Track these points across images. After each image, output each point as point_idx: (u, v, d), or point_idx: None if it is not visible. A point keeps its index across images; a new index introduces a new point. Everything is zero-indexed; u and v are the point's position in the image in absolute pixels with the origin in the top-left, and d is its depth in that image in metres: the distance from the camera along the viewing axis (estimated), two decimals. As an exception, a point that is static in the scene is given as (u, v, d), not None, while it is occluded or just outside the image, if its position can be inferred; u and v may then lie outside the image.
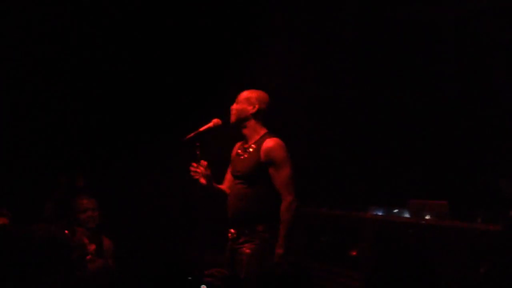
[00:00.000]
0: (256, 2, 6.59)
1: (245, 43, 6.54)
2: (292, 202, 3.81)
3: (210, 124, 4.00)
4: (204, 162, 3.92)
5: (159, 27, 6.46)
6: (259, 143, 3.92)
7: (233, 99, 4.05)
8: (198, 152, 3.92)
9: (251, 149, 3.93)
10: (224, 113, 4.05)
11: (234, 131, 4.05)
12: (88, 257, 3.96)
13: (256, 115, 3.99)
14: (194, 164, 3.94)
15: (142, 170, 6.43)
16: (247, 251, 3.83)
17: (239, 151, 4.05)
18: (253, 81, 4.35)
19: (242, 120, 4.00)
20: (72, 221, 4.69)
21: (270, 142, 3.88)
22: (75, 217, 4.72)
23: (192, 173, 3.95)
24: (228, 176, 4.16)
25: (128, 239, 5.75)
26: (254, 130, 3.97)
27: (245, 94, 4.04)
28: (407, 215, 5.43)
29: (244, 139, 4.05)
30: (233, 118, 4.01)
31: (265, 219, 3.84)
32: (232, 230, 3.93)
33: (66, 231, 3.50)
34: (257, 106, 3.98)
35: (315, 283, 5.36)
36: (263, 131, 3.98)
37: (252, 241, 3.84)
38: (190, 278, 4.16)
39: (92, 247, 3.59)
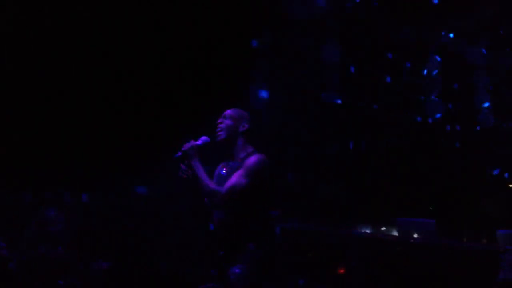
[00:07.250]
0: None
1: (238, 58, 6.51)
2: (221, 196, 3.74)
3: (199, 142, 3.99)
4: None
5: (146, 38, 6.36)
6: (244, 159, 3.91)
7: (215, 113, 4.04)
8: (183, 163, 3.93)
9: (236, 165, 3.93)
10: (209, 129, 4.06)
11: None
12: None
13: (244, 134, 4.00)
14: (183, 166, 3.94)
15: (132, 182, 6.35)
16: (237, 270, 3.80)
17: (224, 169, 4.03)
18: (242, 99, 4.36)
19: (232, 137, 4.00)
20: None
21: (254, 157, 3.88)
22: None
23: (181, 174, 3.95)
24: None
25: (119, 254, 5.73)
26: (242, 148, 3.97)
27: (232, 112, 4.05)
28: (395, 233, 5.45)
29: (230, 157, 4.04)
30: (223, 134, 3.99)
31: (255, 237, 3.83)
32: (221, 249, 3.91)
33: None
34: (246, 125, 4.00)
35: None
36: (250, 149, 3.98)
37: (242, 261, 3.81)
38: None
39: None
